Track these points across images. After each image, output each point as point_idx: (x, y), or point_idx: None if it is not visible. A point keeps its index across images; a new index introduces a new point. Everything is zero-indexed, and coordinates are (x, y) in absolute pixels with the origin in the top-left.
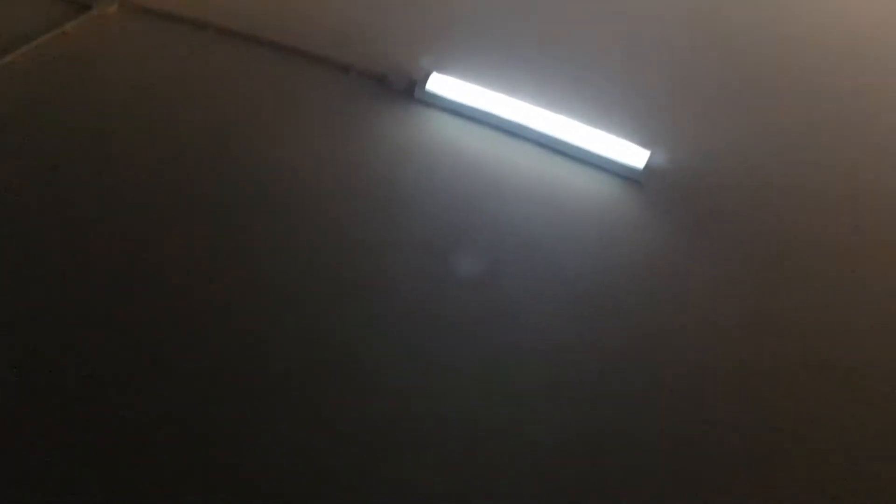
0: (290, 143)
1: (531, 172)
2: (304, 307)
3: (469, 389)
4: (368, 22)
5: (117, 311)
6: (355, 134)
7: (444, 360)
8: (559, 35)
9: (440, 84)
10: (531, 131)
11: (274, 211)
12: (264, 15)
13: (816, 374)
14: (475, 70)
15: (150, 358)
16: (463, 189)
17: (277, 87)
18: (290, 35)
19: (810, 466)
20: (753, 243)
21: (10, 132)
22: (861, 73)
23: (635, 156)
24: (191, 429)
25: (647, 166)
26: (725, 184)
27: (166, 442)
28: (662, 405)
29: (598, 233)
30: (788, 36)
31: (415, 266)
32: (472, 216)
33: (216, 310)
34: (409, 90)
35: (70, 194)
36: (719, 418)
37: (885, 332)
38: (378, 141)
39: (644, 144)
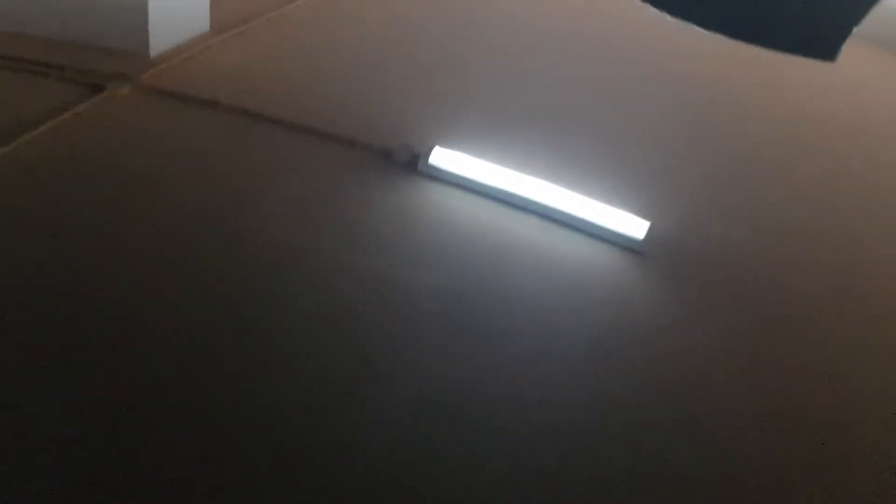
0: (297, 215)
1: (533, 244)
2: (308, 381)
3: (475, 457)
4: (372, 100)
5: (113, 397)
6: (360, 207)
7: (448, 428)
8: (560, 109)
9: (443, 157)
10: (533, 203)
11: (281, 283)
12: (271, 95)
13: (814, 430)
14: (477, 144)
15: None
16: (465, 261)
17: (286, 162)
18: (298, 113)
19: None
20: (751, 311)
21: (26, 215)
22: (854, 147)
23: (636, 227)
24: None
25: (647, 237)
26: (724, 254)
27: None
28: (665, 458)
29: (600, 303)
30: (785, 112)
31: (421, 336)
32: (474, 287)
33: (220, 383)
34: (413, 164)
35: (82, 275)
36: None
37: (878, 385)
38: (382, 213)
39: (644, 216)
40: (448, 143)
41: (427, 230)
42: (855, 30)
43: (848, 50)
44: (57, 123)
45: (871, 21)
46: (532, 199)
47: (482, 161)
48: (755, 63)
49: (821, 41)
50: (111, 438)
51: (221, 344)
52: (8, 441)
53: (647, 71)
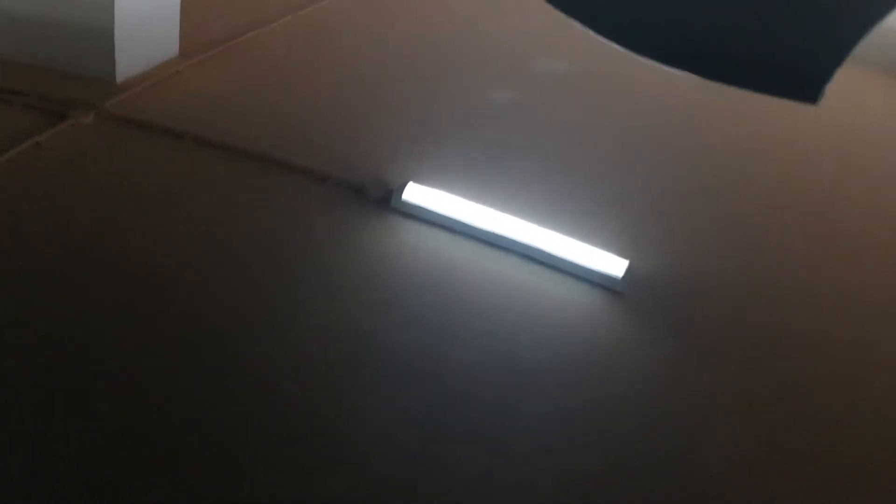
0: (266, 253)
1: (509, 282)
2: (258, 437)
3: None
4: (345, 132)
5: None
6: (332, 243)
7: (423, 471)
8: (536, 146)
9: (417, 194)
10: (509, 241)
11: (247, 321)
12: (241, 125)
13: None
14: (452, 180)
15: None
16: (439, 299)
17: (255, 197)
18: (268, 145)
19: None
20: (731, 350)
21: None
22: (839, 185)
23: (614, 265)
24: None
25: (626, 275)
26: (704, 292)
27: None
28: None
29: (578, 342)
30: (770, 148)
31: (392, 380)
32: (448, 326)
33: (195, 424)
34: (386, 199)
35: (42, 309)
36: None
37: (869, 421)
38: (354, 250)
39: (623, 254)
40: (423, 178)
41: (399, 271)
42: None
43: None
44: (14, 155)
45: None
46: (508, 237)
47: (457, 198)
48: (737, 96)
49: (802, 81)
50: None
51: (167, 388)
52: None
53: (628, 107)
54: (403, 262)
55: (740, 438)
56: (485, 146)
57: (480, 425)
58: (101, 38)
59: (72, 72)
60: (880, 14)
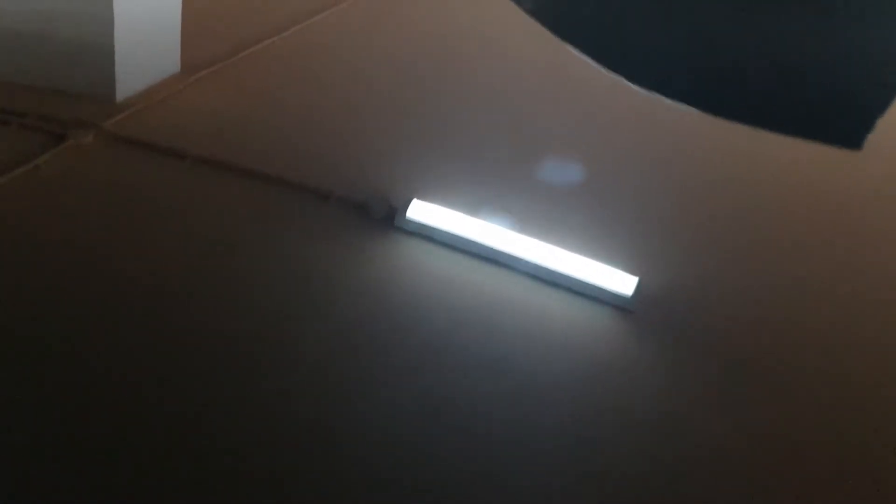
0: (268, 274)
1: (516, 302)
2: (259, 461)
3: None
4: (348, 148)
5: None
6: (335, 263)
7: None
8: (543, 163)
9: (421, 211)
10: (516, 259)
11: (248, 343)
12: (243, 143)
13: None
14: (457, 197)
15: None
16: (445, 319)
17: (257, 217)
18: (270, 164)
19: None
20: (743, 368)
21: None
22: (851, 205)
23: (623, 283)
24: None
25: (635, 293)
26: (714, 309)
27: None
28: None
29: (587, 362)
30: (778, 166)
31: (396, 398)
32: (454, 347)
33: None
34: (390, 218)
35: (46, 330)
36: None
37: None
38: (358, 271)
39: (633, 271)
40: (427, 195)
41: (403, 291)
42: None
43: None
44: (13, 177)
45: None
46: (515, 255)
47: (463, 215)
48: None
49: (845, 128)
50: None
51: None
52: None
53: (640, 121)
54: (408, 282)
55: (754, 450)
56: (491, 162)
57: (488, 446)
58: (101, 55)
59: (71, 91)
60: None
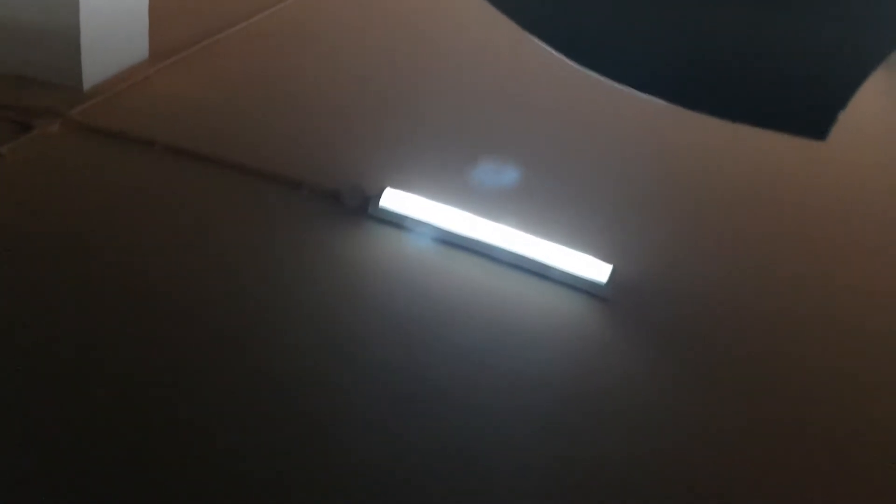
0: (240, 264)
1: (490, 289)
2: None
3: None
4: (320, 136)
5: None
6: (308, 252)
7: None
8: (518, 150)
9: (395, 200)
10: (490, 248)
11: (223, 331)
12: (213, 131)
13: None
14: (431, 185)
15: None
16: (420, 307)
17: (227, 206)
18: (241, 152)
19: None
20: (716, 356)
21: None
22: (829, 193)
23: (598, 271)
24: None
25: (609, 281)
26: (688, 296)
27: None
28: None
29: (561, 349)
30: (748, 155)
31: (371, 387)
32: (428, 335)
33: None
34: (363, 207)
35: (11, 321)
36: None
37: (854, 438)
38: (331, 259)
39: (607, 259)
40: (401, 184)
41: (378, 280)
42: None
43: None
44: None
45: None
46: (490, 243)
47: (437, 203)
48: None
49: (809, 118)
50: None
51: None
52: None
53: (612, 110)
54: (382, 271)
55: (727, 438)
56: (465, 150)
57: (463, 433)
58: (66, 42)
59: (36, 79)
60: (887, 52)
